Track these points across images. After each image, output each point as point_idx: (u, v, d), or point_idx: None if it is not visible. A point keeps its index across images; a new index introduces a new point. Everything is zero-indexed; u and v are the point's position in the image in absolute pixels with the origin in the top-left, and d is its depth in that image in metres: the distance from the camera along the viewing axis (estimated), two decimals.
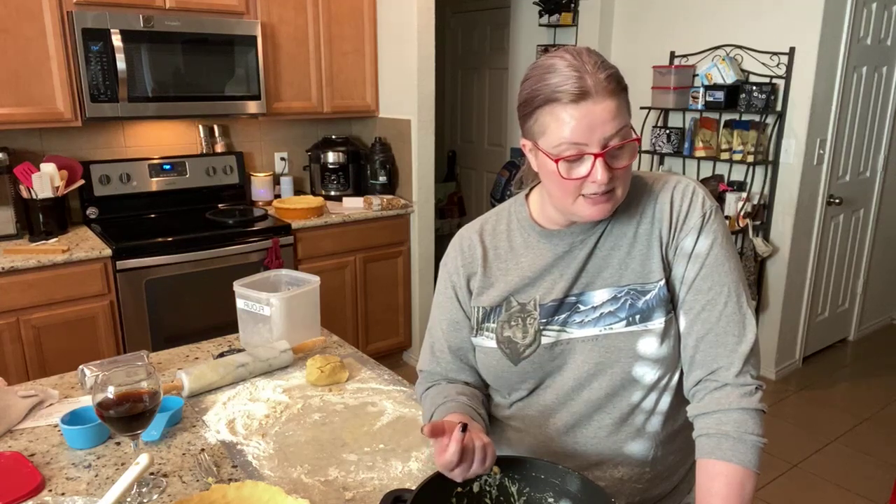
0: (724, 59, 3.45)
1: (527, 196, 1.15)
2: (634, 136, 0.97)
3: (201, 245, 2.85)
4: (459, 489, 0.96)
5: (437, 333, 1.20)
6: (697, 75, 3.61)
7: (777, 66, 3.32)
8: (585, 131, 0.93)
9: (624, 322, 1.05)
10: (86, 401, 1.35)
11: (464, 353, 1.17)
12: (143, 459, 1.01)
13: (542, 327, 1.08)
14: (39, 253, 2.53)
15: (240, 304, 1.68)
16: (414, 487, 0.94)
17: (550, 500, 0.97)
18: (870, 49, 3.49)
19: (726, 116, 3.53)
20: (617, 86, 0.95)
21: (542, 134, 0.98)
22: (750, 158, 3.36)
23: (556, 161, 0.96)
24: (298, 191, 3.68)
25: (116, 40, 2.69)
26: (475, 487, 0.98)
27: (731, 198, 3.44)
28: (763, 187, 3.47)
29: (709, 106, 3.46)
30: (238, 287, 1.68)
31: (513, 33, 4.71)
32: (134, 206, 3.14)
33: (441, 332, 1.18)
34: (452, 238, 1.21)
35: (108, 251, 2.63)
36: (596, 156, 0.94)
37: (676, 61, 3.72)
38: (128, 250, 2.68)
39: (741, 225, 3.41)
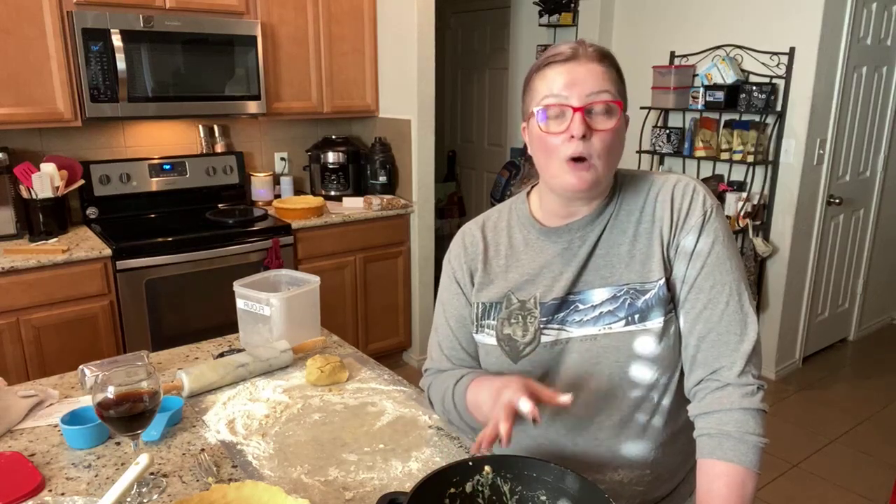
0: (724, 59, 3.45)
1: (528, 194, 1.16)
2: (619, 101, 1.01)
3: (201, 245, 2.85)
4: (452, 490, 0.96)
5: (444, 331, 1.19)
6: (697, 75, 3.61)
7: (777, 66, 3.32)
8: (568, 85, 0.99)
9: (623, 321, 1.05)
10: (86, 401, 1.35)
11: (474, 348, 1.18)
12: (143, 459, 1.01)
13: (542, 326, 1.08)
14: (39, 253, 2.53)
15: (240, 304, 1.68)
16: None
17: (543, 497, 0.97)
18: (870, 49, 3.49)
19: (726, 116, 3.53)
20: (604, 57, 1.01)
21: (532, 100, 1.03)
22: (750, 158, 3.36)
23: (537, 112, 1.00)
24: (298, 191, 3.68)
25: (116, 40, 2.69)
26: (468, 487, 0.98)
27: (731, 198, 3.44)
28: (763, 187, 3.47)
29: (709, 106, 3.46)
30: (238, 287, 1.68)
31: (513, 33, 4.71)
32: (134, 206, 3.14)
33: (449, 328, 1.18)
34: (456, 234, 1.22)
35: (108, 251, 2.63)
36: (575, 109, 0.98)
37: (676, 61, 3.72)
38: (128, 250, 2.68)
39: (741, 225, 3.41)
